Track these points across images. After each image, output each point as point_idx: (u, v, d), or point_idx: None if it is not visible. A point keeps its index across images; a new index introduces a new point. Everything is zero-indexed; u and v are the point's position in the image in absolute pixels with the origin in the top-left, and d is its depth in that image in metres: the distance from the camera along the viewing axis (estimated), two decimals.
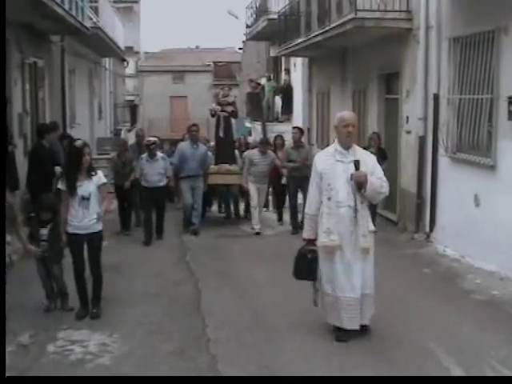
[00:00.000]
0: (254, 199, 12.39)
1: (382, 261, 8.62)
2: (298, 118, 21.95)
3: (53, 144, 10.61)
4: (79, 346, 6.15)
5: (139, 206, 12.30)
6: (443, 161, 10.51)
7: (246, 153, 13.12)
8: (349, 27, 12.02)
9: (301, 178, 11.46)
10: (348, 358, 5.78)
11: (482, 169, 9.20)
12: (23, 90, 12.61)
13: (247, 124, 24.15)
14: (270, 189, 13.59)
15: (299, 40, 16.92)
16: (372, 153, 9.63)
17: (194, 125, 12.66)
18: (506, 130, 8.60)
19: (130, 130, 27.07)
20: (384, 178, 6.23)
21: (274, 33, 21.70)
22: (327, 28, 13.72)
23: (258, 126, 21.68)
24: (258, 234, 12.12)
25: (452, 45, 10.13)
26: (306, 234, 6.36)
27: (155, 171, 11.36)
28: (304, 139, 13.77)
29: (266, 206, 14.24)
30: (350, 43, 14.61)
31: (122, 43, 25.32)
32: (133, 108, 33.53)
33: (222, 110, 13.08)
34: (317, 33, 14.81)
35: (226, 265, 9.59)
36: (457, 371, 5.51)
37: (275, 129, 19.66)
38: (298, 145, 12.48)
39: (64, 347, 6.11)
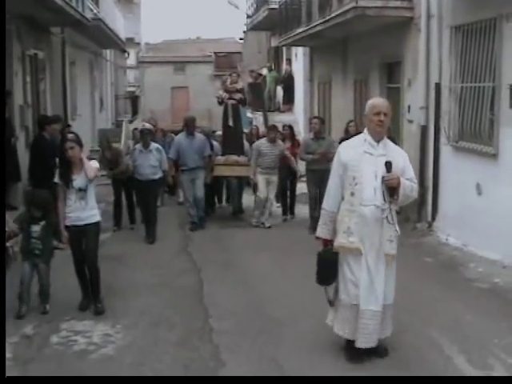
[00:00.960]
0: (262, 192, 11.74)
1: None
2: (300, 107, 21.93)
3: (54, 136, 10.59)
4: (82, 336, 6.16)
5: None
6: (445, 150, 10.49)
7: (259, 142, 12.21)
8: (350, 16, 11.98)
9: (321, 171, 10.59)
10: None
11: (484, 157, 9.18)
12: (24, 82, 12.59)
13: (249, 114, 24.14)
14: None
15: (300, 30, 16.89)
16: None
17: (192, 117, 12.20)
18: (508, 118, 8.58)
19: (131, 122, 27.06)
20: (415, 179, 5.59)
21: (274, 23, 21.67)
22: (328, 17, 13.68)
23: (259, 117, 21.67)
24: (256, 226, 11.71)
25: (454, 33, 10.10)
26: (321, 232, 5.64)
27: (148, 163, 10.68)
28: (305, 129, 13.66)
29: (285, 213, 12.94)
30: (352, 32, 14.56)
31: (122, 34, 25.27)
32: (134, 99, 33.48)
33: (230, 98, 12.35)
34: (318, 22, 14.77)
35: (229, 255, 9.60)
36: (460, 359, 5.52)
37: (277, 119, 19.65)
38: (318, 136, 11.48)
39: (67, 338, 6.13)
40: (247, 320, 6.62)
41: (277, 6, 20.61)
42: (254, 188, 12.24)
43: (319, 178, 10.71)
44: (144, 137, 10.89)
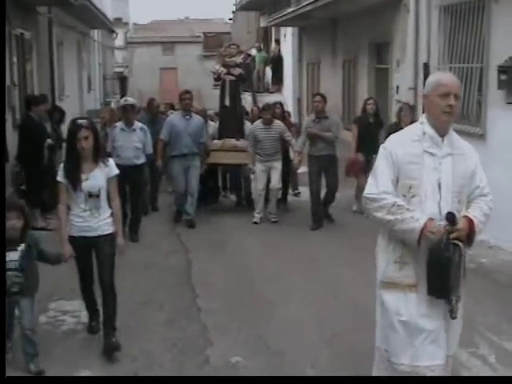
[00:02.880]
0: (260, 183, 10.20)
1: (374, 231, 8.66)
2: (289, 88, 21.89)
3: (41, 117, 10.52)
4: (71, 316, 6.17)
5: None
6: None
7: (255, 125, 10.52)
8: None
9: (326, 158, 9.72)
10: (340, 325, 5.84)
11: (472, 138, 9.18)
12: (11, 62, 12.48)
13: None
14: None
15: (289, 10, 16.82)
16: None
17: (187, 92, 10.26)
18: (496, 99, 8.60)
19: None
20: (487, 189, 4.16)
21: (263, 3, 21.58)
22: None
23: (248, 97, 21.61)
24: (256, 223, 10.15)
25: (442, 13, 10.10)
26: (411, 222, 3.76)
27: (131, 144, 8.97)
28: (293, 110, 13.31)
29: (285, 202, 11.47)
30: (341, 13, 14.53)
31: (110, 14, 25.05)
32: (122, 80, 33.31)
33: (228, 73, 10.86)
34: (307, 2, 14.73)
35: (218, 236, 9.60)
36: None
37: (266, 99, 19.61)
38: (320, 115, 9.88)
39: (56, 318, 6.14)
40: (236, 299, 6.66)
41: None
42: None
43: (323, 166, 9.74)
44: (126, 113, 9.08)
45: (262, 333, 5.73)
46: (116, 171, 5.46)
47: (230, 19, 36.24)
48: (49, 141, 10.13)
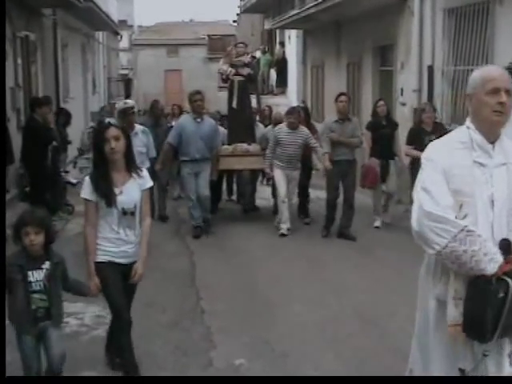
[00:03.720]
0: (282, 190, 9.44)
1: (379, 233, 8.66)
2: (293, 90, 21.88)
3: (46, 119, 10.55)
4: (74, 318, 6.17)
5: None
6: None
7: (268, 129, 10.32)
8: None
9: (346, 163, 9.17)
10: (342, 327, 5.83)
11: None
12: (15, 64, 12.51)
13: None
14: None
15: (293, 12, 16.82)
16: (428, 135, 8.60)
17: (198, 92, 9.55)
18: None
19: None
20: None
21: (268, 5, 21.57)
22: (321, 0, 13.63)
23: (252, 99, 21.62)
24: (283, 235, 9.37)
25: (446, 16, 10.09)
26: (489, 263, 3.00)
27: (134, 150, 7.92)
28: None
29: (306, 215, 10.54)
30: (345, 15, 14.53)
31: (115, 16, 25.10)
32: (127, 82, 33.36)
33: (237, 74, 10.28)
34: (311, 5, 14.73)
35: (223, 239, 9.59)
36: None
37: (270, 102, 19.61)
38: (344, 117, 9.21)
39: None
40: (239, 302, 6.65)
41: None
42: (273, 187, 10.31)
43: (342, 171, 9.16)
44: (127, 117, 8.26)
45: (266, 335, 5.72)
46: (150, 183, 4.69)
47: (235, 21, 36.26)
48: (53, 143, 10.15)
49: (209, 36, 46.61)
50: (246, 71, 10.32)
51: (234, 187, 12.34)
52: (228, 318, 6.18)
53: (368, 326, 5.89)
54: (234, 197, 12.24)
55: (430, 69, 10.62)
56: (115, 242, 4.51)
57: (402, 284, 6.79)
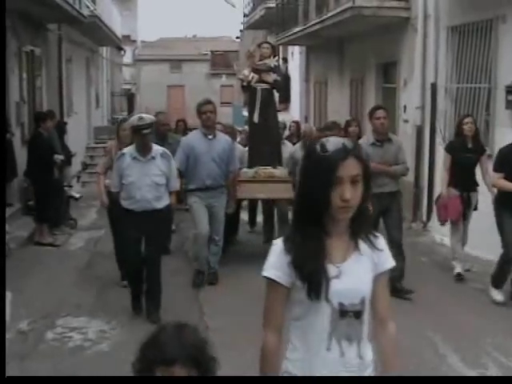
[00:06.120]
0: None
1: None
2: (296, 107, 21.94)
3: (50, 133, 10.61)
4: (78, 332, 6.17)
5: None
6: (440, 150, 10.49)
7: (297, 147, 8.67)
8: (347, 16, 11.99)
9: (388, 196, 7.23)
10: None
11: None
12: (20, 79, 12.57)
13: (244, 113, 24.15)
14: None
15: (297, 29, 16.90)
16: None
17: (209, 102, 7.68)
18: (504, 119, 8.62)
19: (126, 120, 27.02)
20: None
21: (271, 21, 21.66)
22: (325, 17, 13.70)
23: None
24: None
25: (450, 34, 10.14)
26: None
27: (149, 180, 6.33)
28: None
29: None
30: (348, 32, 14.58)
31: (119, 32, 25.24)
32: (130, 97, 33.46)
33: (260, 81, 8.46)
34: (314, 22, 14.79)
35: (228, 257, 9.56)
36: (454, 358, 5.55)
37: None
38: (383, 138, 7.35)
39: (63, 334, 6.14)
40: (243, 316, 6.62)
41: (274, 5, 20.61)
42: None
43: (384, 206, 7.16)
44: (143, 137, 6.26)
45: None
46: (391, 262, 2.58)
47: (238, 37, 36.40)
48: (60, 157, 10.18)
49: (212, 52, 46.82)
50: (271, 77, 8.49)
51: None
52: (232, 334, 6.15)
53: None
54: (254, 228, 10.36)
55: (433, 86, 10.65)
56: (322, 365, 2.45)
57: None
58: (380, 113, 7.33)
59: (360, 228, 2.44)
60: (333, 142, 2.31)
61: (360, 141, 7.47)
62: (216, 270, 7.85)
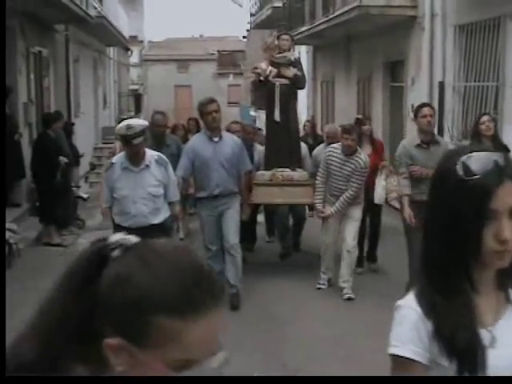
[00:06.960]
0: (329, 232, 7.18)
1: (388, 247, 8.63)
2: (303, 106, 21.93)
3: (58, 134, 10.63)
4: None
5: None
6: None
7: (319, 149, 8.06)
8: (353, 15, 11.99)
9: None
10: (355, 344, 5.81)
11: None
12: (28, 79, 12.61)
13: (252, 113, 24.14)
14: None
15: (303, 28, 16.88)
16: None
17: (212, 100, 6.88)
18: None
19: None
20: None
21: (278, 21, 21.65)
22: (331, 16, 13.69)
23: (262, 115, 21.66)
24: (320, 288, 7.30)
25: (457, 32, 10.11)
26: None
27: (143, 192, 5.66)
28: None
29: (360, 263, 7.69)
30: (355, 31, 14.57)
31: (125, 32, 25.28)
32: (137, 97, 33.53)
33: (279, 76, 7.77)
34: (321, 21, 14.78)
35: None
36: None
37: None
38: (429, 139, 6.68)
39: None
40: (250, 318, 6.63)
41: (280, 5, 20.60)
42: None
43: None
44: (132, 148, 5.54)
45: (278, 351, 5.71)
46: None
47: (245, 37, 36.40)
48: (64, 159, 10.17)
49: (219, 52, 46.82)
50: (291, 72, 7.75)
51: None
52: (239, 336, 6.14)
53: (380, 341, 5.85)
54: (273, 238, 9.62)
55: (441, 85, 10.63)
56: None
57: None
58: (426, 110, 6.75)
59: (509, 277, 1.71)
60: (479, 160, 1.60)
61: (403, 141, 7.13)
62: (238, 289, 6.83)
